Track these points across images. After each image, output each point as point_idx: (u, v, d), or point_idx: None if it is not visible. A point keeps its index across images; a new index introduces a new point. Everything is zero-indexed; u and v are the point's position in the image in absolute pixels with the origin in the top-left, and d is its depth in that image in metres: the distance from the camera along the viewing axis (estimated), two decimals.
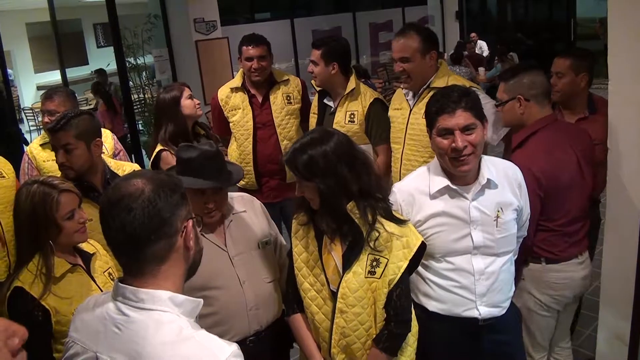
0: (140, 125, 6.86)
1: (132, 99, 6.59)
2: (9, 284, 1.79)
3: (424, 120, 1.94)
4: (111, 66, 6.65)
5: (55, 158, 2.24)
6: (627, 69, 2.11)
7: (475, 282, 1.88)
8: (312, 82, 3.09)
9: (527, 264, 2.24)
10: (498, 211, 1.87)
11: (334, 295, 1.75)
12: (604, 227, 2.40)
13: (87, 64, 12.64)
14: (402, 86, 2.77)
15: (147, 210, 1.13)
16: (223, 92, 3.31)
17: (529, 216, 2.04)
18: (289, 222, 1.92)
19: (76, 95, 3.13)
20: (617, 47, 2.13)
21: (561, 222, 2.18)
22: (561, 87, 2.73)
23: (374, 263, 1.70)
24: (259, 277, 1.97)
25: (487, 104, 2.30)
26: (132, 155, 5.90)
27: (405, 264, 1.70)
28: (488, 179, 1.86)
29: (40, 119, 4.48)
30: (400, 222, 1.75)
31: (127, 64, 6.48)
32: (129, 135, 6.58)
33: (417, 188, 1.93)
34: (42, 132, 2.91)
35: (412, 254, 1.71)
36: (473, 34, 10.46)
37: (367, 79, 6.90)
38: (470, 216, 1.86)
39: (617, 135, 2.21)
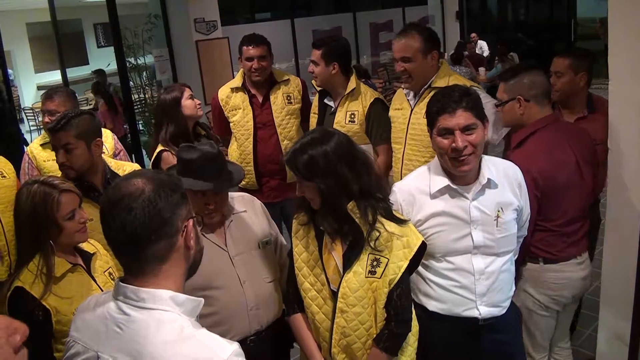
0: (140, 125, 6.86)
1: (133, 99, 6.58)
2: (9, 284, 1.79)
3: (425, 120, 1.94)
4: (111, 66, 6.64)
5: (55, 158, 2.24)
6: (628, 69, 2.12)
7: (476, 281, 1.88)
8: (313, 82, 3.09)
9: (525, 263, 2.24)
10: (498, 211, 1.87)
11: (334, 295, 1.75)
12: (604, 227, 2.40)
13: (88, 64, 12.63)
14: (403, 86, 2.77)
15: (148, 210, 1.13)
16: (223, 92, 3.31)
17: (529, 216, 2.05)
18: (289, 222, 1.92)
19: (76, 95, 3.13)
20: (618, 47, 2.13)
21: (559, 222, 2.18)
22: (560, 86, 2.73)
23: (375, 263, 1.70)
24: (259, 277, 1.97)
25: (488, 103, 2.30)
26: (133, 155, 5.90)
27: (405, 264, 1.71)
28: (488, 179, 1.86)
29: (40, 118, 4.49)
30: (400, 221, 1.75)
31: (128, 64, 6.48)
32: (129, 135, 6.59)
33: (417, 188, 1.93)
34: (43, 132, 2.91)
35: (413, 253, 1.71)
36: (473, 34, 10.45)
37: (368, 79, 6.90)
38: (471, 216, 1.86)
39: (618, 135, 2.21)
